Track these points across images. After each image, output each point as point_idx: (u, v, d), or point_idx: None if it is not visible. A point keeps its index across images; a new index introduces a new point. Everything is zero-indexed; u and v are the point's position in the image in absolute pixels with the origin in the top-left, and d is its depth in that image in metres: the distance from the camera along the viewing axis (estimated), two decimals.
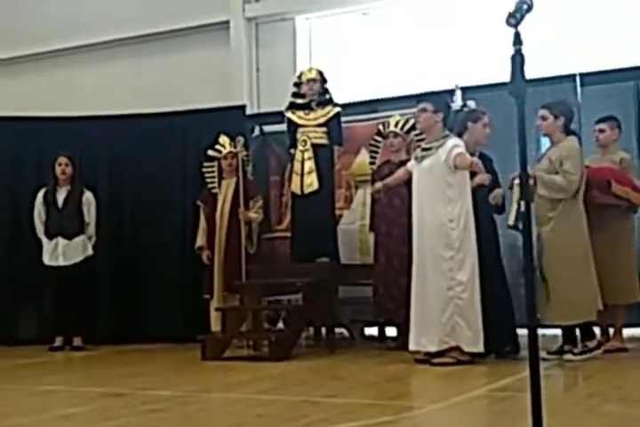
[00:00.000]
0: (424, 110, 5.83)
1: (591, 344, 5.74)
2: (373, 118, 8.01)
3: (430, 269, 5.61)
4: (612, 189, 6.07)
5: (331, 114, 7.33)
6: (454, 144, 5.67)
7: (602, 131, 6.46)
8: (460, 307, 5.51)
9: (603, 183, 6.09)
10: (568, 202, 5.78)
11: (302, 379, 5.38)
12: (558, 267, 5.73)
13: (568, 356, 5.71)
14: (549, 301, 5.71)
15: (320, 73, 7.42)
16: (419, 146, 6.21)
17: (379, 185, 6.40)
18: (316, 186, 7.19)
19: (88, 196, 7.80)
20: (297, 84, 7.48)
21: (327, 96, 7.42)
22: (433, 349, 5.57)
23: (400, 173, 6.20)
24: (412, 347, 5.71)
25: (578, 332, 5.82)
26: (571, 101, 6.01)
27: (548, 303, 5.70)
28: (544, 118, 5.96)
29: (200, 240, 7.63)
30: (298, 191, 7.29)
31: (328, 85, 7.45)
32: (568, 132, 5.96)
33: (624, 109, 7.05)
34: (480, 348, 5.55)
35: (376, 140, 7.25)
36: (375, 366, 5.86)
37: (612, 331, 6.32)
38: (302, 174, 7.25)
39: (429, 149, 5.79)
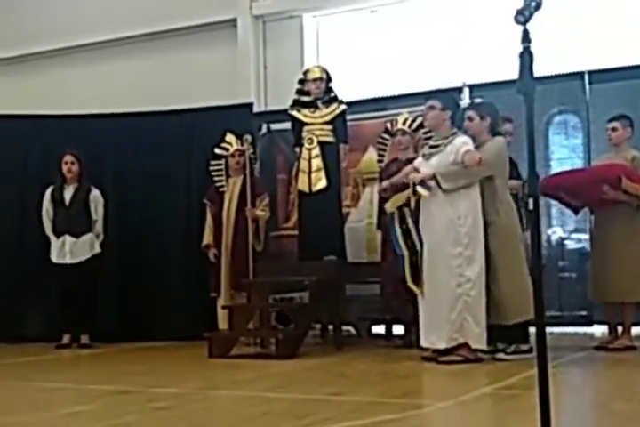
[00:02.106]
0: (432, 108, 5.82)
1: (524, 347, 5.68)
2: (381, 116, 8.00)
3: (439, 265, 5.61)
4: (622, 185, 6.05)
5: (337, 112, 7.32)
6: (462, 141, 5.67)
7: (614, 129, 6.40)
8: (468, 304, 5.52)
9: (613, 179, 6.07)
10: (493, 201, 5.69)
11: (309, 377, 5.38)
12: (496, 266, 5.69)
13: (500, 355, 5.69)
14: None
15: (325, 71, 7.41)
16: (426, 144, 6.19)
17: (386, 184, 6.40)
18: (324, 184, 7.19)
19: (95, 193, 7.78)
20: (301, 82, 7.47)
21: (332, 94, 7.42)
22: (442, 346, 5.57)
23: (407, 170, 6.19)
24: (423, 344, 5.73)
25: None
26: (496, 105, 5.95)
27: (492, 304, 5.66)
28: (470, 119, 5.91)
29: (207, 238, 7.62)
30: (305, 189, 7.29)
31: (334, 83, 7.44)
32: (495, 133, 5.91)
33: (633, 107, 7.00)
34: (484, 344, 5.56)
35: (384, 138, 7.23)
36: (382, 364, 5.85)
37: (620, 329, 6.30)
38: (310, 172, 7.24)
39: (437, 146, 5.79)
